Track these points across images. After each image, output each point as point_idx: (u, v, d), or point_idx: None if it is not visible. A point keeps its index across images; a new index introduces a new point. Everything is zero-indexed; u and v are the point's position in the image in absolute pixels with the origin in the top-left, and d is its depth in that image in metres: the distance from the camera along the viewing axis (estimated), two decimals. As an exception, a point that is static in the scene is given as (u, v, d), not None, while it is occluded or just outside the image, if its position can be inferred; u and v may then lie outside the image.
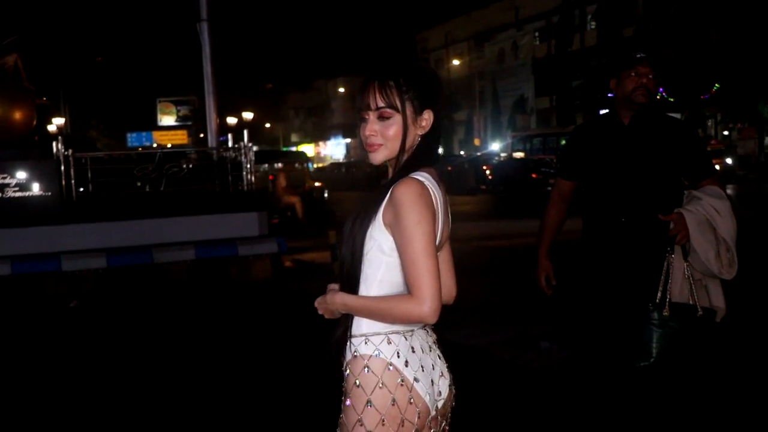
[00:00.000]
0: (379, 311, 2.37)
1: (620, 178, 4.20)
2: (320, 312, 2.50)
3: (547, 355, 7.15)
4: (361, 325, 2.43)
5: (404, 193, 2.31)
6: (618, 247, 4.21)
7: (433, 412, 2.46)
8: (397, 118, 2.40)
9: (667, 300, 4.02)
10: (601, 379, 4.34)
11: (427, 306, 2.26)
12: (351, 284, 2.42)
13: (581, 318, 4.37)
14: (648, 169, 4.17)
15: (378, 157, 2.44)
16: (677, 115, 37.66)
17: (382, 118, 2.41)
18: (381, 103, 2.40)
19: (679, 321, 4.00)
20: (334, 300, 2.44)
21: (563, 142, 41.20)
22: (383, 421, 2.37)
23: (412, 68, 2.48)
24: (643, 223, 4.14)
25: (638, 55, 4.28)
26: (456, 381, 2.58)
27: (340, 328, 2.47)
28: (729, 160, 33.19)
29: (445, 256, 2.58)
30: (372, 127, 2.42)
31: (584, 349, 4.38)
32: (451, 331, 2.46)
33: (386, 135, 2.41)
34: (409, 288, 2.30)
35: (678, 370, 4.15)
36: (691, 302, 4.04)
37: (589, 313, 4.29)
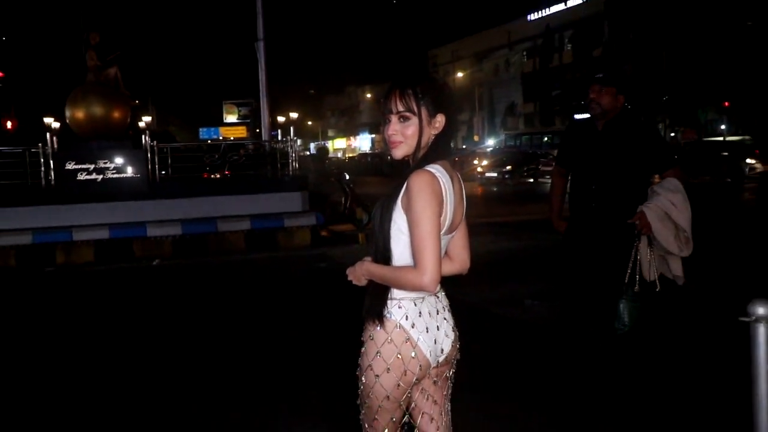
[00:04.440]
0: (392, 278, 2.34)
1: (592, 172, 4.22)
2: (350, 278, 2.47)
3: (530, 311, 7.10)
4: None
5: (416, 183, 2.26)
6: (590, 229, 4.21)
7: (434, 365, 2.42)
8: (414, 120, 2.35)
9: (637, 279, 4.06)
10: (581, 338, 4.36)
11: (426, 277, 2.23)
12: (384, 257, 2.37)
13: (567, 287, 4.36)
14: (614, 166, 4.17)
15: (398, 152, 2.38)
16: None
17: (402, 119, 2.36)
18: (401, 108, 2.35)
19: (647, 295, 4.08)
20: (362, 268, 2.42)
21: (545, 139, 41.48)
22: (388, 369, 2.36)
23: (428, 79, 2.43)
24: (610, 209, 4.14)
25: (594, 77, 4.36)
26: (460, 334, 2.52)
27: (369, 296, 2.43)
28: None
29: (461, 234, 2.52)
30: (394, 128, 2.37)
31: (570, 312, 4.37)
32: (451, 290, 2.41)
33: (405, 134, 2.36)
34: (414, 261, 2.27)
35: (648, 334, 4.18)
36: (654, 280, 4.11)
37: (573, 284, 4.30)
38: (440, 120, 2.38)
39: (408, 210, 2.28)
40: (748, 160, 26.83)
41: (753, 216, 15.81)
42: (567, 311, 4.36)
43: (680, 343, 5.80)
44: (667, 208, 3.98)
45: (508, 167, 30.84)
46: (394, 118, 2.36)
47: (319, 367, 5.55)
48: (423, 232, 2.23)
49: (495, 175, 30.76)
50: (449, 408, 2.57)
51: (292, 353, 6.06)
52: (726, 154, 27.82)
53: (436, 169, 2.32)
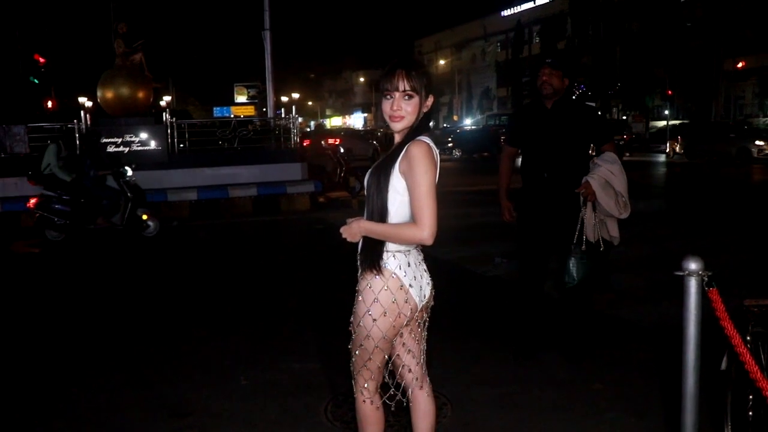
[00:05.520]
0: (392, 234, 2.33)
1: (543, 145, 4.18)
2: (344, 236, 2.43)
3: (498, 267, 7.13)
4: None
5: (418, 150, 2.27)
6: (543, 195, 4.20)
7: (420, 307, 2.45)
8: (416, 99, 2.34)
9: (584, 240, 4.08)
10: (536, 291, 4.36)
11: (426, 231, 2.24)
12: (381, 216, 2.35)
13: (521, 245, 4.36)
14: (562, 140, 4.16)
15: (399, 126, 2.37)
16: (592, 104, 38.32)
17: (407, 97, 2.34)
18: (407, 87, 2.32)
19: (591, 254, 4.10)
20: (359, 226, 2.38)
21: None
22: (385, 312, 2.37)
23: (423, 65, 2.44)
24: (560, 178, 4.14)
25: (544, 60, 4.26)
26: (435, 286, 2.55)
27: (365, 249, 2.42)
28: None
29: None
30: (398, 104, 2.34)
31: (523, 268, 4.38)
32: (432, 248, 2.42)
33: (407, 110, 2.34)
34: (415, 218, 2.26)
35: (591, 286, 4.20)
36: (597, 240, 4.12)
37: (526, 242, 4.30)
38: (431, 100, 2.39)
39: (408, 174, 2.28)
40: (757, 142, 24.31)
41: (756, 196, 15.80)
42: (523, 268, 4.36)
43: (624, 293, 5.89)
44: (608, 177, 4.04)
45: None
46: (398, 95, 2.34)
47: (315, 312, 5.58)
48: (423, 192, 2.24)
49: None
50: (425, 345, 2.61)
51: (291, 300, 6.09)
52: (733, 135, 25.34)
53: (429, 140, 2.34)
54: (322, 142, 21.54)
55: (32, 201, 9.39)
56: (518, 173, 4.41)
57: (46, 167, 9.69)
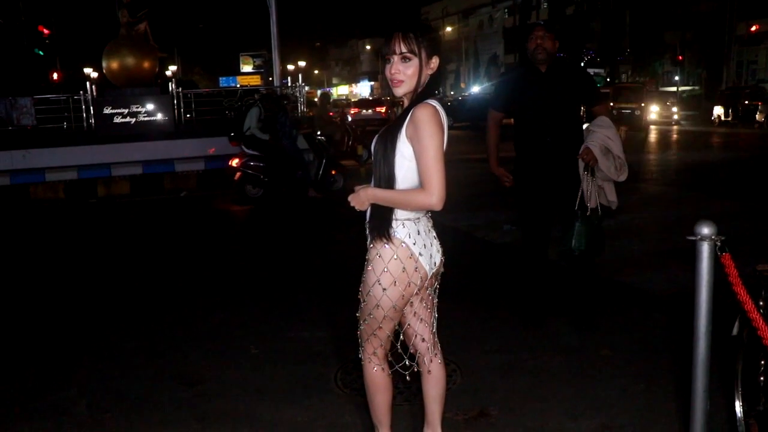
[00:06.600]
0: (400, 200, 2.28)
1: (543, 110, 4.10)
2: (352, 204, 2.39)
3: (507, 234, 7.12)
4: None
5: (423, 114, 2.21)
6: (545, 160, 4.14)
7: (430, 275, 2.42)
8: (415, 61, 2.27)
9: (588, 205, 4.05)
10: (537, 259, 4.33)
11: (435, 197, 2.18)
12: (388, 182, 2.30)
13: (524, 213, 4.32)
14: (562, 102, 4.09)
15: (400, 90, 2.31)
16: (601, 71, 38.01)
17: (404, 60, 2.28)
18: (404, 49, 2.26)
19: (595, 217, 4.09)
20: (367, 193, 2.33)
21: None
22: (395, 282, 2.34)
23: (424, 25, 2.36)
24: (563, 140, 4.09)
25: (535, 23, 4.20)
26: (445, 252, 2.52)
27: (373, 217, 2.37)
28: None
29: None
30: (397, 67, 2.28)
31: (527, 236, 4.34)
32: (442, 216, 2.39)
33: (407, 73, 2.28)
34: (423, 184, 2.21)
35: (596, 252, 4.16)
36: (596, 206, 4.11)
37: (529, 209, 4.26)
38: (435, 62, 2.31)
39: (414, 139, 2.22)
40: None
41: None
42: (527, 236, 4.32)
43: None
44: (605, 142, 4.03)
45: None
46: (396, 59, 2.28)
47: (323, 281, 5.59)
48: (430, 157, 2.18)
49: None
50: (436, 313, 2.59)
51: (297, 268, 6.10)
52: (760, 104, 24.48)
53: (435, 103, 2.27)
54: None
55: (235, 161, 10.22)
56: (508, 141, 4.33)
57: (247, 129, 10.39)
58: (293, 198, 10.31)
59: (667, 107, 27.56)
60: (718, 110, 26.51)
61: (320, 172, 10.50)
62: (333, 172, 10.69)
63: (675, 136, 22.50)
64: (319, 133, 11.41)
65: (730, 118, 25.49)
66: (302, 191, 10.42)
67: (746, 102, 25.11)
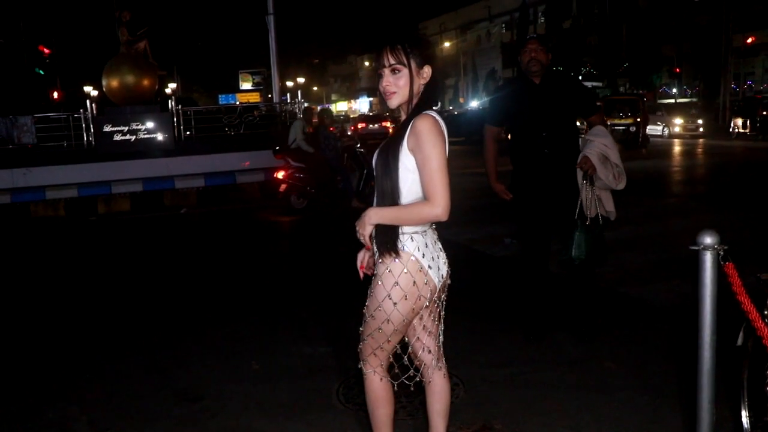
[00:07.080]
0: (405, 216, 2.26)
1: (540, 121, 4.10)
2: (358, 229, 2.32)
3: (508, 248, 7.10)
4: None
5: (424, 125, 2.20)
6: (543, 172, 4.14)
7: (438, 288, 2.41)
8: (405, 72, 2.28)
9: (588, 214, 4.05)
10: (538, 272, 4.32)
11: (440, 207, 2.17)
12: (392, 196, 2.28)
13: (523, 226, 4.31)
14: (557, 113, 4.10)
15: (393, 102, 2.31)
16: (599, 84, 38.18)
17: (394, 72, 2.29)
18: (393, 61, 2.27)
19: (595, 227, 4.09)
20: (369, 216, 2.29)
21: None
22: (405, 296, 2.32)
23: (413, 36, 2.36)
24: (560, 152, 4.09)
25: (529, 37, 4.20)
26: (450, 265, 2.50)
27: (380, 233, 2.31)
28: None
29: None
30: (387, 80, 2.30)
31: (527, 249, 4.33)
32: (442, 230, 2.38)
33: (398, 84, 2.29)
34: (427, 195, 2.19)
35: (596, 261, 4.15)
36: (595, 216, 4.10)
37: (528, 223, 4.24)
38: (427, 71, 2.31)
39: (416, 150, 2.21)
40: None
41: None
42: (527, 249, 4.30)
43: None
44: (603, 151, 4.04)
45: None
46: (387, 71, 2.29)
47: (324, 297, 5.57)
48: (433, 168, 2.17)
49: None
50: (443, 325, 2.57)
51: (299, 285, 6.08)
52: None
53: (435, 114, 2.27)
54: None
55: (281, 173, 10.50)
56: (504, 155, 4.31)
57: (292, 142, 10.71)
58: (337, 208, 10.47)
59: (691, 119, 26.00)
60: (736, 121, 24.79)
61: (362, 183, 10.72)
62: (372, 183, 10.71)
63: (701, 154, 19.20)
64: (359, 145, 11.65)
65: (748, 130, 23.92)
66: (346, 201, 10.59)
67: (765, 113, 23.73)
